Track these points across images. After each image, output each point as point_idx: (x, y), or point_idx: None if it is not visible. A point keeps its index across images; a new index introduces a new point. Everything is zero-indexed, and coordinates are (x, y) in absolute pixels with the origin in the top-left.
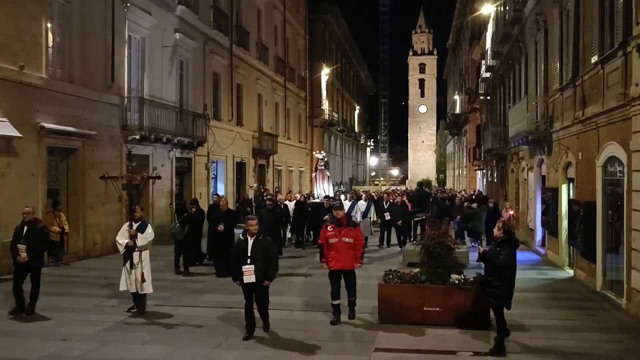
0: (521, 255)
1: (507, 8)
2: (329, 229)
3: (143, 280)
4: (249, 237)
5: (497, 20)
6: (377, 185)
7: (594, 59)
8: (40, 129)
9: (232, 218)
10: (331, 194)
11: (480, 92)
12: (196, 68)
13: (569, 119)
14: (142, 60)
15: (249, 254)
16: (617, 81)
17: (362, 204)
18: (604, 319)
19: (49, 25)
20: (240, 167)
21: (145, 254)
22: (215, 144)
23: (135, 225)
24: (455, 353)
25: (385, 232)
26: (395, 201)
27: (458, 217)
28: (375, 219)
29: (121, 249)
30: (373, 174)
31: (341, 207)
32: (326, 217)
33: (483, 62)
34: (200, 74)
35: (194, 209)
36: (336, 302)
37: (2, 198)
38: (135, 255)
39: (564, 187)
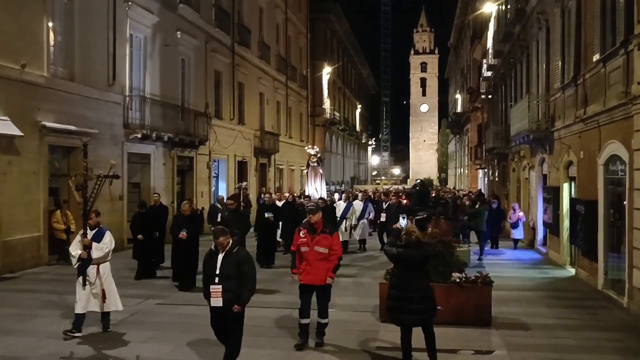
0: (522, 254)
1: (509, 7)
2: (301, 234)
3: (104, 298)
4: (220, 250)
5: (498, 19)
6: (379, 184)
7: (596, 57)
8: (41, 127)
9: (196, 223)
10: (324, 194)
11: (481, 91)
12: (198, 66)
13: (571, 117)
14: (143, 59)
15: (217, 271)
16: (619, 80)
17: (357, 205)
18: (605, 317)
19: (50, 23)
20: (241, 166)
21: (105, 268)
22: (217, 143)
23: (90, 234)
24: (456, 352)
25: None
26: (390, 202)
27: (462, 217)
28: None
29: (74, 262)
30: (374, 173)
31: (315, 210)
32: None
33: (484, 61)
34: (201, 73)
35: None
36: (305, 321)
37: (4, 196)
38: (92, 269)
39: (566, 186)
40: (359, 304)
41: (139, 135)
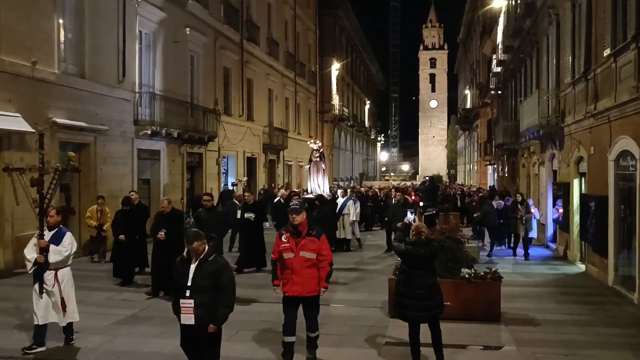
0: (532, 250)
1: (519, 1)
2: (282, 239)
3: (64, 307)
4: (192, 257)
5: (508, 14)
6: (387, 180)
7: (607, 52)
8: (52, 124)
9: (176, 222)
10: (327, 190)
11: (491, 86)
12: (207, 63)
13: (581, 112)
14: (153, 56)
15: (188, 282)
16: (630, 74)
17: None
18: (615, 313)
19: (61, 21)
20: (250, 162)
21: (64, 273)
22: (226, 139)
23: (48, 234)
24: (465, 347)
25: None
26: (394, 200)
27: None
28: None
29: (29, 267)
30: (383, 169)
31: (299, 209)
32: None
33: (494, 56)
34: (210, 69)
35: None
36: (289, 339)
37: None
38: (49, 275)
39: (576, 182)
40: (368, 299)
41: (149, 132)
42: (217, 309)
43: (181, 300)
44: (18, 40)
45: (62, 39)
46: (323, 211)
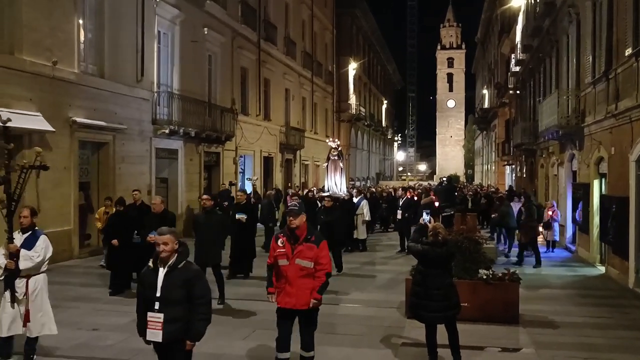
0: (551, 252)
1: (538, 0)
2: (279, 243)
3: (27, 319)
4: (159, 266)
5: (527, 13)
6: (404, 180)
7: (628, 51)
8: (72, 123)
9: (167, 224)
10: (344, 189)
11: (509, 86)
12: (224, 63)
13: (602, 113)
14: (171, 55)
15: (157, 294)
16: None
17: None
18: (636, 316)
19: (81, 21)
20: (267, 162)
21: (36, 282)
22: (243, 139)
23: (21, 238)
24: (483, 349)
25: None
26: (400, 201)
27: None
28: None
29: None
30: (400, 169)
31: (297, 211)
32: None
33: (513, 55)
34: (228, 69)
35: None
36: (283, 356)
37: (36, 190)
38: (21, 282)
39: (596, 183)
40: (385, 299)
41: (167, 131)
42: (190, 323)
43: (149, 314)
44: (39, 41)
45: (82, 39)
46: (336, 213)
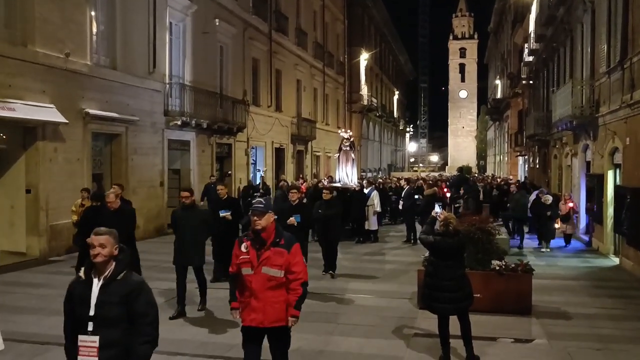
0: (564, 243)
1: None
2: (242, 248)
3: None
4: (93, 276)
5: (541, 2)
6: (416, 171)
7: None
8: (85, 114)
9: (126, 221)
10: (355, 179)
11: (522, 76)
12: (235, 54)
13: (617, 102)
14: (182, 47)
15: (90, 312)
16: None
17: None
18: None
19: (93, 13)
20: (279, 153)
21: None
22: (255, 130)
23: None
24: (495, 340)
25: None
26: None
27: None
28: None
29: None
30: (412, 160)
31: (262, 209)
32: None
33: (526, 45)
34: (239, 60)
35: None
36: None
37: (50, 182)
38: None
39: (610, 173)
40: (396, 290)
41: (179, 123)
42: (133, 347)
43: (80, 337)
44: (52, 32)
45: (94, 30)
46: (335, 207)
